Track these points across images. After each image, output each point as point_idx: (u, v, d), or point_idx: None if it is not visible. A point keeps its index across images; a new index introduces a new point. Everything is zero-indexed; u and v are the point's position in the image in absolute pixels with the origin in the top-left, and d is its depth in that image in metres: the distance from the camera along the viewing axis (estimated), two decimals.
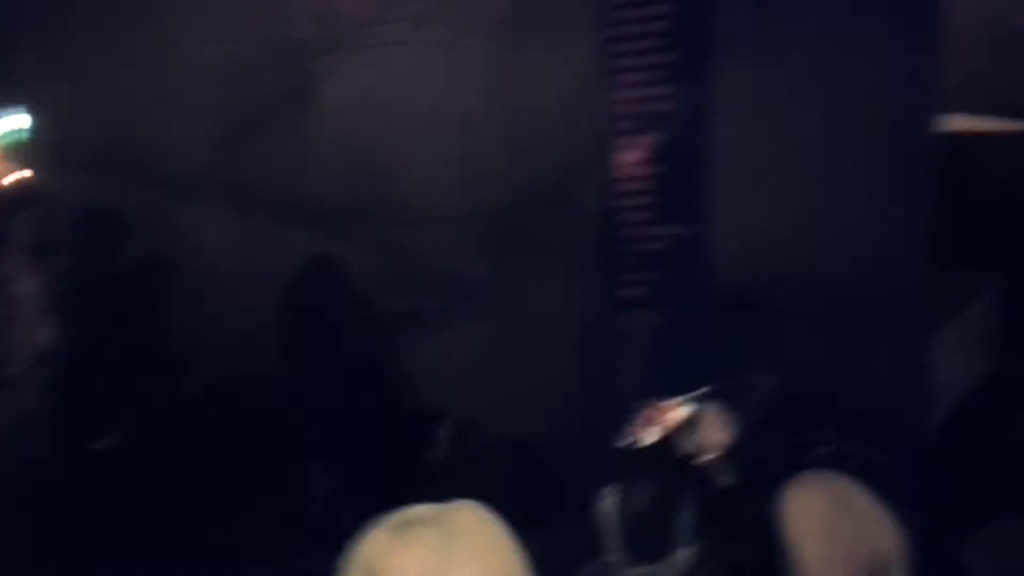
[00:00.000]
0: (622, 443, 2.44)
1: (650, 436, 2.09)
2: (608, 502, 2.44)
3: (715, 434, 2.34)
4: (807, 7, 3.41)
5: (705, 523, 2.36)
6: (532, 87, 3.79)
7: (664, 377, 2.46)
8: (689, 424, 2.33)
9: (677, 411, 2.32)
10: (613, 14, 3.68)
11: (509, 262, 3.86)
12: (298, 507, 3.54)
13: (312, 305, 3.89)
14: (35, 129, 4.66)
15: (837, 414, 2.61)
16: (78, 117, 4.34)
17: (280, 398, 3.56)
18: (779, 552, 1.71)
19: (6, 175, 4.76)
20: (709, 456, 2.34)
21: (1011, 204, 3.45)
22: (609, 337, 3.72)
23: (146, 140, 4.30)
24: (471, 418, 3.81)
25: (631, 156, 3.68)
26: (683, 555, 2.36)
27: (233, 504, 3.51)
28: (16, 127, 4.84)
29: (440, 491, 3.68)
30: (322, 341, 3.77)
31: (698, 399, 2.34)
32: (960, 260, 3.49)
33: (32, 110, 4.67)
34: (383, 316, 3.88)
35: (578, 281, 3.77)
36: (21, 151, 4.75)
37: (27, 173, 4.70)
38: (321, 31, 4.03)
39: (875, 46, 3.32)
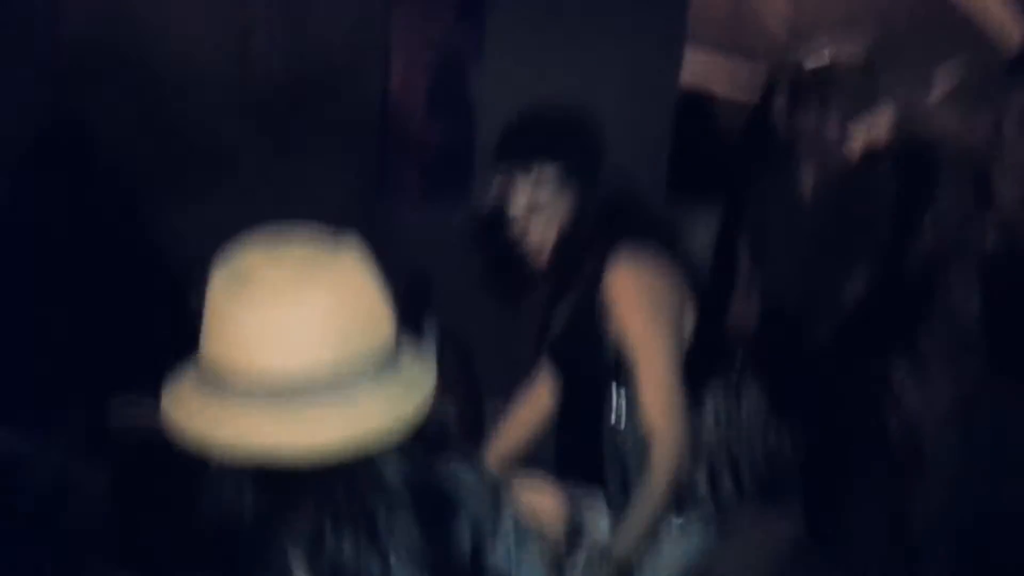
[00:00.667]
0: None
1: None
2: None
3: None
4: None
5: None
6: None
7: None
8: None
9: None
10: None
11: (284, 139, 3.88)
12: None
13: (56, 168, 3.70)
14: None
15: None
16: None
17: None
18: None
19: None
20: None
21: (725, 150, 4.08)
22: (378, 225, 3.93)
23: None
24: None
25: (409, 47, 3.82)
26: None
27: None
28: None
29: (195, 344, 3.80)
30: (65, 209, 3.61)
31: None
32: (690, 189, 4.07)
33: None
34: (141, 185, 3.79)
35: (352, 169, 3.88)
36: None
37: None
38: None
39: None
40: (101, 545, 2.75)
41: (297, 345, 0.91)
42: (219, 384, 0.94)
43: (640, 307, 1.83)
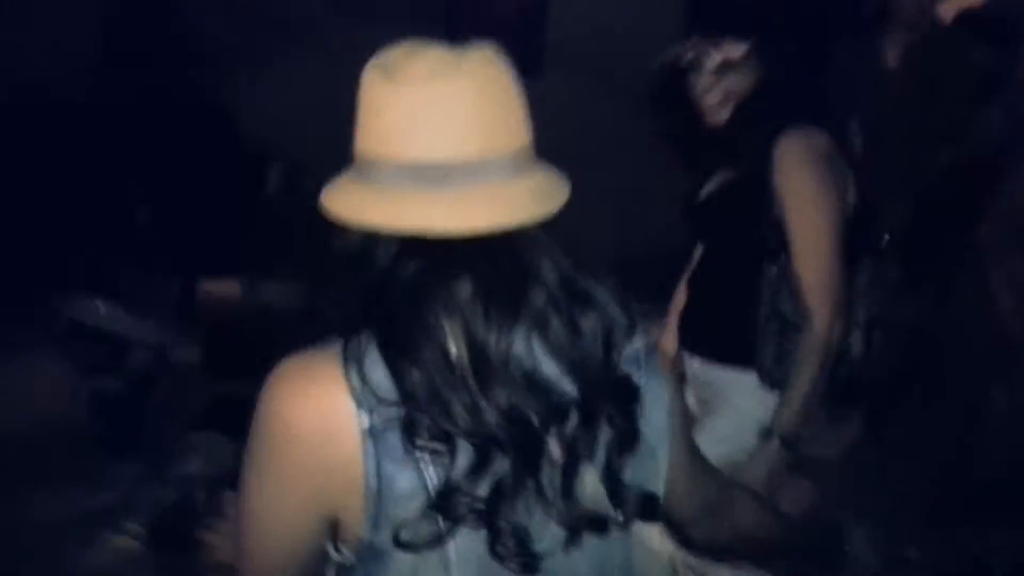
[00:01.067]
0: None
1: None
2: None
3: None
4: None
5: None
6: None
7: None
8: None
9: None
10: None
11: (347, 6, 3.85)
12: (122, 235, 3.69)
13: (132, 32, 3.76)
14: None
15: None
16: None
17: (103, 125, 3.55)
18: None
19: None
20: None
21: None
22: None
23: None
24: (303, 160, 3.98)
25: None
26: None
27: (56, 230, 3.60)
28: None
29: (271, 230, 3.92)
30: (147, 70, 3.69)
31: None
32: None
33: None
34: (213, 50, 3.83)
35: (416, 34, 3.84)
36: None
37: None
38: None
39: None
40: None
41: (444, 131, 0.96)
42: (373, 174, 0.99)
43: (807, 188, 1.86)
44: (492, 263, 0.97)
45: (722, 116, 1.94)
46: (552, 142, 3.56)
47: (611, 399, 1.00)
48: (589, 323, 1.00)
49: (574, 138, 3.88)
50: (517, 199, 0.96)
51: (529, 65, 3.82)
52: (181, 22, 3.75)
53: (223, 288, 3.89)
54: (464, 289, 0.96)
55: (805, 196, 1.83)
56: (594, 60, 3.76)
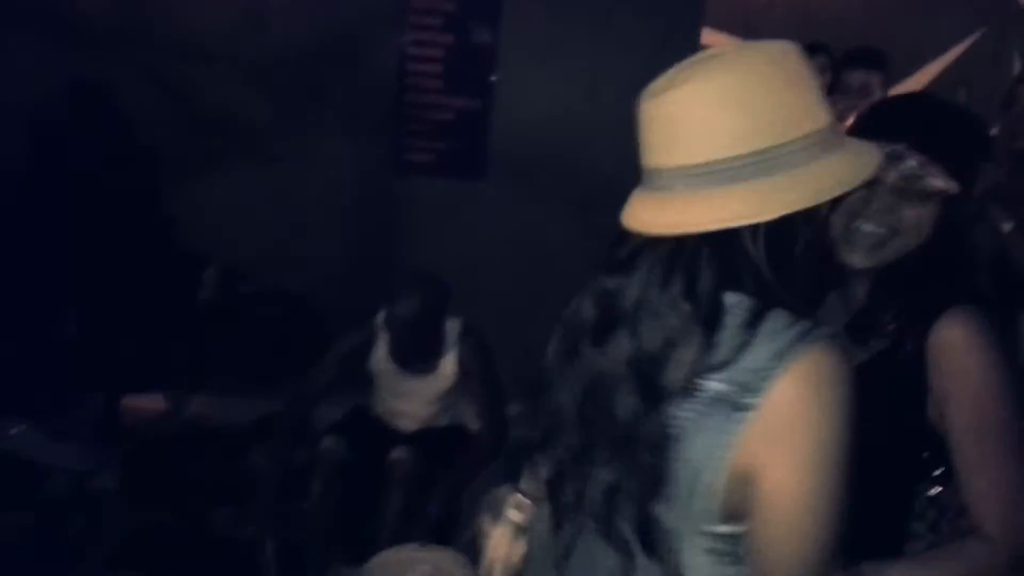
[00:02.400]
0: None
1: None
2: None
3: None
4: None
5: None
6: None
7: None
8: None
9: None
10: None
11: (294, 112, 3.79)
12: (49, 349, 3.45)
13: (76, 136, 3.62)
14: None
15: None
16: None
17: (35, 234, 3.37)
18: None
19: None
20: None
21: None
22: (389, 199, 3.84)
23: None
24: (242, 264, 3.83)
25: (427, 23, 3.71)
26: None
27: None
28: None
29: (207, 334, 3.71)
30: (84, 175, 3.54)
31: None
32: None
33: None
34: (153, 153, 3.70)
35: (363, 141, 3.79)
36: None
37: None
38: None
39: None
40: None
41: (656, 141, 1.03)
42: (646, 183, 1.06)
43: (978, 381, 1.35)
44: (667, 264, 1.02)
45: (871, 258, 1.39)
46: (495, 243, 3.44)
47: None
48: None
49: (516, 234, 3.85)
50: (723, 203, 0.98)
51: (474, 166, 3.86)
52: (117, 124, 3.61)
53: (147, 403, 3.65)
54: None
55: (974, 391, 1.37)
56: (538, 163, 3.73)
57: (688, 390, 0.98)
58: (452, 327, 2.62)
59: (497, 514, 1.45)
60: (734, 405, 0.96)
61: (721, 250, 0.99)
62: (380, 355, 2.63)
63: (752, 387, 0.95)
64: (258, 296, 3.83)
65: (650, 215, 1.02)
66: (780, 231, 0.98)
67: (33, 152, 3.60)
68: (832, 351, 0.96)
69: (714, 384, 0.97)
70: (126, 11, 3.74)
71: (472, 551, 2.26)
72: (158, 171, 3.71)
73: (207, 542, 2.84)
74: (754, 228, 0.98)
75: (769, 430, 0.95)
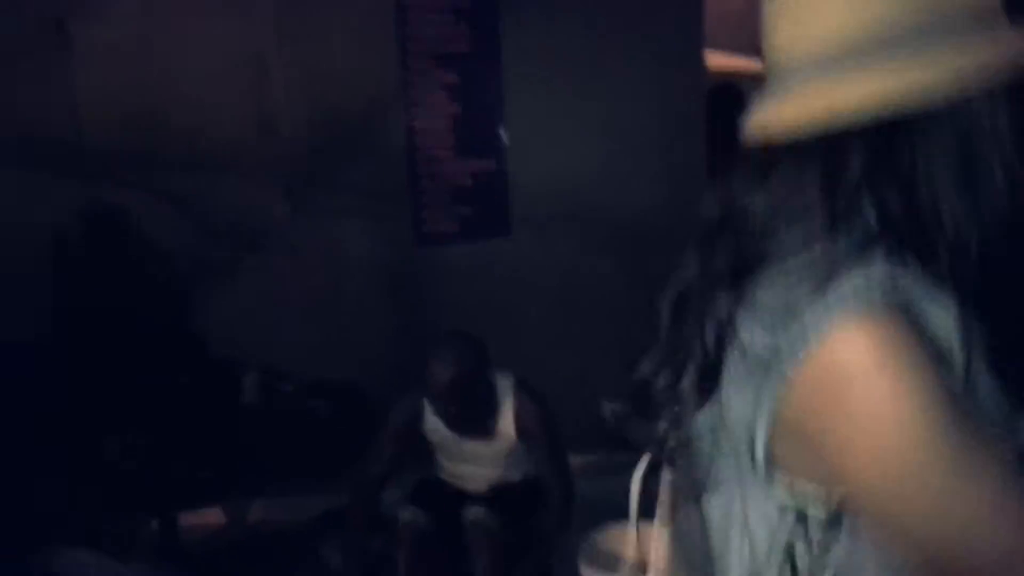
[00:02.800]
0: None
1: None
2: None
3: None
4: None
5: None
6: (324, 26, 3.72)
7: None
8: None
9: None
10: None
11: (310, 204, 3.80)
12: (94, 476, 3.38)
13: (97, 262, 3.62)
14: None
15: None
16: None
17: (65, 367, 3.33)
18: None
19: None
20: None
21: None
22: (417, 272, 3.82)
23: None
24: (280, 363, 3.78)
25: (429, 94, 3.75)
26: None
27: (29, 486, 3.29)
28: None
29: (256, 438, 3.65)
30: (110, 299, 3.53)
31: None
32: None
33: None
34: (177, 268, 3.70)
35: (382, 219, 3.80)
36: None
37: None
38: None
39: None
40: None
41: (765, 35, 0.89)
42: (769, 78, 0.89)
43: None
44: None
45: None
46: (528, 294, 3.40)
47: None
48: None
49: (550, 288, 3.82)
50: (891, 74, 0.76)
51: (496, 226, 3.85)
52: (136, 246, 3.61)
53: (205, 518, 3.56)
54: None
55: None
56: (560, 211, 3.73)
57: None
58: (504, 384, 2.54)
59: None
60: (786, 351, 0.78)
61: (878, 150, 0.79)
62: (432, 424, 2.55)
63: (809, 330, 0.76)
64: (301, 392, 3.76)
65: (792, 107, 0.81)
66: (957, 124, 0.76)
67: (56, 283, 3.59)
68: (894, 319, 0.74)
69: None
70: (131, 136, 3.76)
71: None
72: (183, 286, 3.69)
73: None
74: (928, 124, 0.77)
75: (823, 382, 0.76)
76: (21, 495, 3.31)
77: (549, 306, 3.78)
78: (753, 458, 0.82)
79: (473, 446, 2.54)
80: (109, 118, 3.73)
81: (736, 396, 0.83)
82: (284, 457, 3.70)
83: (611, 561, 2.48)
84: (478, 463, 2.57)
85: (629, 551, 1.23)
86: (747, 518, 0.85)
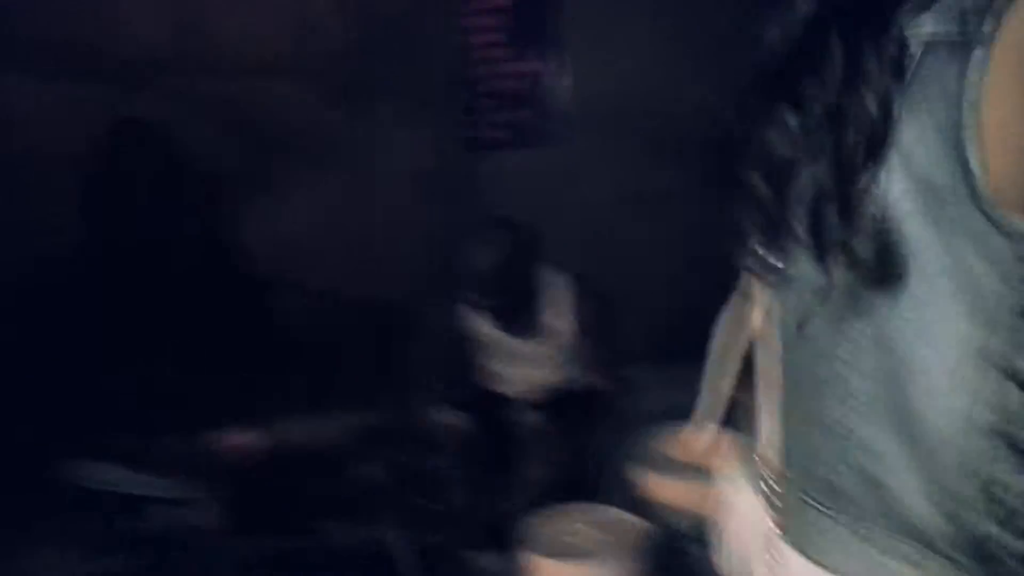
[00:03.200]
0: None
1: None
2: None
3: None
4: None
5: None
6: None
7: None
8: None
9: None
10: None
11: (357, 109, 3.59)
12: (143, 394, 3.26)
13: (134, 174, 3.49)
14: None
15: None
16: None
17: (100, 281, 3.21)
18: None
19: None
20: None
21: None
22: (472, 180, 3.59)
23: None
24: (326, 278, 3.61)
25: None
26: None
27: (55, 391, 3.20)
28: None
29: (297, 356, 3.48)
30: (150, 212, 3.39)
31: None
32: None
33: None
34: (218, 180, 3.54)
35: (431, 125, 3.57)
36: None
37: None
38: None
39: None
40: None
41: None
42: None
43: None
44: None
45: None
46: (585, 203, 3.15)
47: None
48: None
49: (608, 197, 3.56)
50: None
51: (552, 133, 3.60)
52: (178, 155, 3.45)
53: (240, 438, 3.41)
54: None
55: None
56: (618, 115, 3.45)
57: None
58: (558, 281, 2.31)
59: None
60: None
61: None
62: (480, 325, 2.35)
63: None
64: (347, 309, 3.58)
65: None
66: None
67: (89, 196, 3.46)
68: None
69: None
70: (167, 40, 3.60)
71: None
72: (227, 198, 3.53)
73: (327, 556, 2.56)
74: None
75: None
76: (53, 409, 3.23)
77: (607, 216, 3.52)
78: (971, 190, 0.70)
79: (521, 345, 2.32)
80: (149, 24, 3.58)
81: (918, 133, 0.72)
82: (322, 375, 3.54)
83: (665, 464, 2.30)
84: (527, 363, 2.36)
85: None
86: (958, 287, 0.73)
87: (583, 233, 3.45)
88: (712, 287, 3.91)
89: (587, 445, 2.34)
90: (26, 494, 2.84)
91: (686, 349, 3.58)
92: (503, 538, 2.43)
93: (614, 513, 1.88)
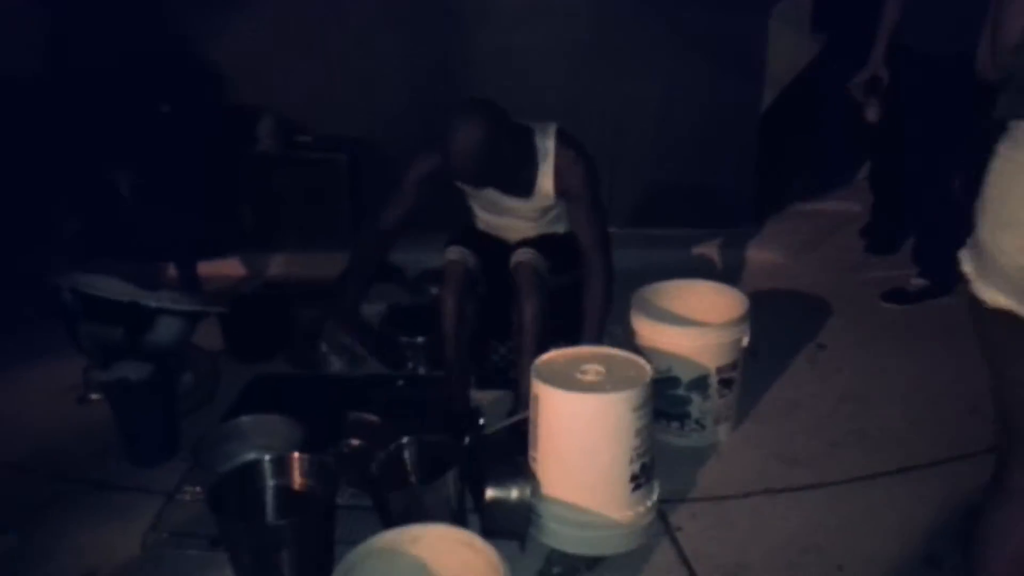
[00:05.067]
0: None
1: None
2: None
3: None
4: None
5: None
6: None
7: None
8: None
9: None
10: None
11: None
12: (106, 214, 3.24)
13: None
14: None
15: None
16: None
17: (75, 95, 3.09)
18: None
19: None
20: None
21: None
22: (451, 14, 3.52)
23: None
24: (296, 112, 3.57)
25: None
26: None
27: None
28: None
29: (271, 190, 3.47)
30: (113, 34, 3.22)
31: None
32: None
33: None
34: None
35: None
36: None
37: None
38: None
39: None
40: None
41: None
42: None
43: None
44: None
45: None
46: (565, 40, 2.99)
47: None
48: None
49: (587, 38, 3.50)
50: None
51: None
52: None
53: (224, 268, 3.46)
54: None
55: None
56: None
57: None
58: (544, 136, 2.30)
59: None
60: None
61: None
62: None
63: None
64: (318, 143, 3.56)
65: None
66: None
67: (56, 17, 3.27)
68: None
69: None
70: None
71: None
72: (199, 21, 3.38)
73: (322, 385, 2.69)
74: None
75: None
76: (36, 229, 3.18)
77: (586, 53, 3.54)
78: None
79: (511, 201, 2.37)
80: None
81: None
82: (302, 211, 3.56)
83: (663, 314, 2.48)
84: (517, 215, 2.42)
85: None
86: None
87: (558, 74, 3.47)
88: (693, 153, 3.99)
89: (577, 293, 2.45)
90: (30, 306, 2.90)
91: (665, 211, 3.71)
92: (505, 375, 2.60)
93: (617, 353, 2.03)
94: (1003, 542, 1.37)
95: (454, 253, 2.36)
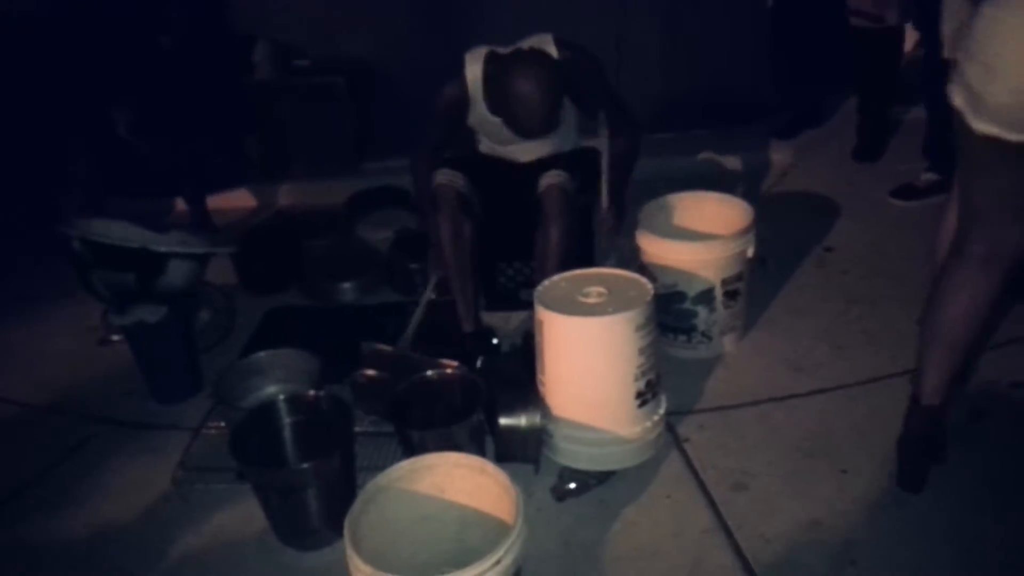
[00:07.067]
0: None
1: None
2: None
3: None
4: None
5: None
6: None
7: None
8: None
9: None
10: None
11: None
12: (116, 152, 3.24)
13: None
14: None
15: None
16: None
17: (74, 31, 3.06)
18: None
19: None
20: None
21: None
22: None
23: None
24: (292, 39, 3.52)
25: None
26: None
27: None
28: None
29: (272, 116, 3.43)
30: None
31: None
32: None
33: None
34: None
35: None
36: None
37: None
38: None
39: None
40: None
41: None
42: None
43: None
44: None
45: None
46: None
47: None
48: None
49: None
50: None
51: None
52: None
53: (233, 201, 3.48)
54: None
55: None
56: None
57: None
58: (544, 47, 2.28)
59: None
60: None
61: None
62: (482, 111, 2.35)
63: None
64: (316, 68, 3.53)
65: None
66: None
67: None
68: None
69: None
70: None
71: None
72: None
73: (335, 316, 2.74)
74: None
75: None
76: (50, 169, 3.20)
77: None
78: None
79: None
80: None
81: None
82: (306, 137, 3.55)
83: (667, 229, 2.49)
84: (527, 142, 2.40)
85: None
86: None
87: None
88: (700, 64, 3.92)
89: (590, 209, 2.47)
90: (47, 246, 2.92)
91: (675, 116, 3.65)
92: (514, 296, 2.63)
93: (619, 273, 2.05)
94: (955, 298, 1.70)
95: (443, 176, 2.36)
